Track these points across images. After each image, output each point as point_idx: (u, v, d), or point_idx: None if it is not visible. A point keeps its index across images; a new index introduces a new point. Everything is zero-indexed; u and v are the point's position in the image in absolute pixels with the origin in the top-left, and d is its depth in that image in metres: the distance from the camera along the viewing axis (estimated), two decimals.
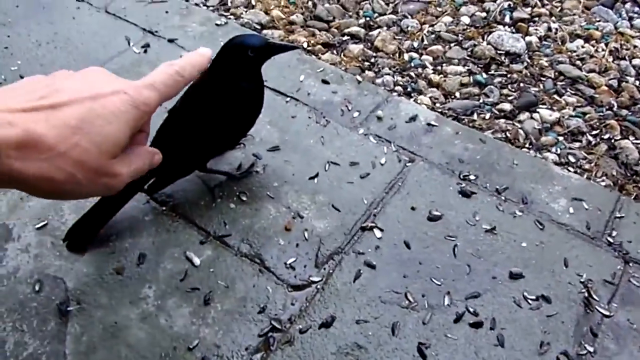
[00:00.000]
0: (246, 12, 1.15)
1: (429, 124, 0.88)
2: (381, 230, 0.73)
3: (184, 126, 0.68)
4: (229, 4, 1.16)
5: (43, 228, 0.71)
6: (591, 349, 0.63)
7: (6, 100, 0.41)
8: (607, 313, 0.66)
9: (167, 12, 1.07)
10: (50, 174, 0.41)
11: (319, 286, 0.67)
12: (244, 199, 0.76)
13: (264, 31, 1.10)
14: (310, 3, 1.19)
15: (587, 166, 0.89)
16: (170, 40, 1.00)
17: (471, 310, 0.65)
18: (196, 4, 1.12)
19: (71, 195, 0.49)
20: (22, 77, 0.92)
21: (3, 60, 0.95)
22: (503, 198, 0.78)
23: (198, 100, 0.67)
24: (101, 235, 0.70)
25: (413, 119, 0.89)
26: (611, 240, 0.74)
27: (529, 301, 0.67)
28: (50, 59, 0.97)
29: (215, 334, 0.62)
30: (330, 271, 0.69)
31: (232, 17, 1.12)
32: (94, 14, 1.06)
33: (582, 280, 0.69)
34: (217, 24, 1.05)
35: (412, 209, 0.76)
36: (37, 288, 0.65)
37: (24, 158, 0.40)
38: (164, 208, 0.74)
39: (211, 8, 1.13)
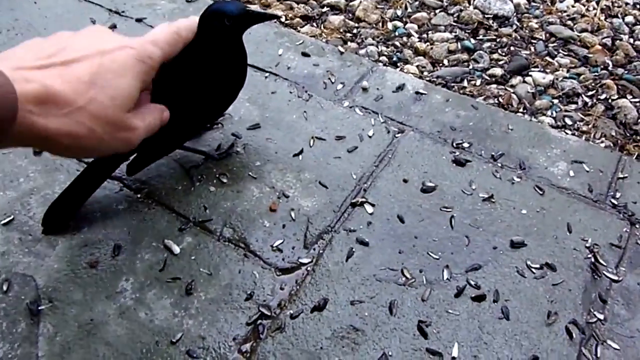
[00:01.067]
0: None
1: (417, 93, 0.84)
2: (372, 205, 0.69)
3: (168, 98, 0.63)
4: None
5: (9, 224, 0.66)
6: (601, 316, 0.59)
7: (16, 60, 0.41)
8: (615, 278, 0.63)
9: None
10: (71, 129, 0.41)
11: (309, 268, 0.63)
12: (225, 180, 0.71)
13: None
14: None
15: (584, 128, 0.85)
16: (138, 20, 0.94)
17: (472, 283, 0.61)
18: None
19: (92, 151, 0.48)
20: None
21: None
22: (499, 165, 0.74)
23: (180, 70, 0.62)
24: (72, 228, 0.65)
25: (400, 88, 0.84)
26: (615, 202, 0.70)
27: (533, 270, 0.63)
28: (12, 46, 0.90)
29: (200, 325, 0.58)
30: (321, 251, 0.64)
31: None
32: None
33: (587, 245, 0.65)
34: (187, 0, 0.99)
35: (404, 181, 0.71)
36: (4, 288, 0.60)
37: (45, 114, 0.40)
38: (138, 195, 0.69)
39: None
